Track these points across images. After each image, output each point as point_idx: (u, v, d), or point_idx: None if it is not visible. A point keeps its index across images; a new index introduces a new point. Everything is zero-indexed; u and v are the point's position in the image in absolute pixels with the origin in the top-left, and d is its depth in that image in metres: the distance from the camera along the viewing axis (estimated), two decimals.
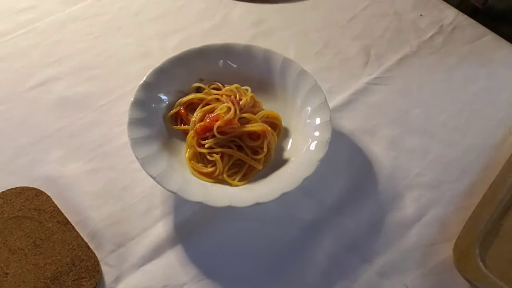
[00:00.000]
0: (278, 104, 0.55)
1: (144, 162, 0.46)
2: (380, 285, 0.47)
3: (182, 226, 0.49)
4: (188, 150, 0.51)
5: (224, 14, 0.70)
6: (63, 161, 0.53)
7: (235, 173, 0.49)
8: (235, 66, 0.56)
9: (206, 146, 0.49)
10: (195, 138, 0.50)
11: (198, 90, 0.55)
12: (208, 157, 0.49)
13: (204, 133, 0.49)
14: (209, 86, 0.54)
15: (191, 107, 0.53)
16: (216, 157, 0.49)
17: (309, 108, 0.52)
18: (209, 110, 0.51)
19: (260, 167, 0.50)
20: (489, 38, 0.69)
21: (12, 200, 0.49)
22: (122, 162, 0.53)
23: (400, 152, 0.56)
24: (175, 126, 0.52)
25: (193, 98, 0.53)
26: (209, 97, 0.53)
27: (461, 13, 0.71)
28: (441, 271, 0.48)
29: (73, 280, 0.44)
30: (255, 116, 0.51)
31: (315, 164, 0.47)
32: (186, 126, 0.52)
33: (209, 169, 0.49)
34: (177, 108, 0.53)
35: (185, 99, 0.53)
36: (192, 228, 0.49)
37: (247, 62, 0.55)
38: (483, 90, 0.63)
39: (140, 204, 0.50)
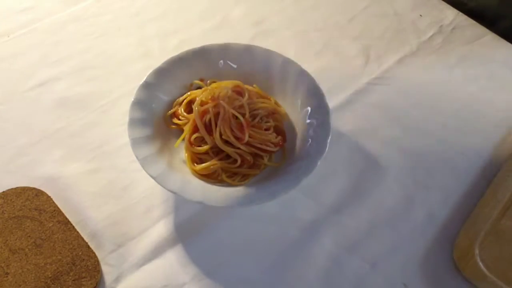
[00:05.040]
0: None
1: (144, 162, 0.46)
2: (380, 285, 0.47)
3: (182, 226, 0.49)
4: (187, 152, 0.51)
5: (224, 14, 0.70)
6: (63, 161, 0.53)
7: (235, 174, 0.49)
8: (235, 66, 0.56)
9: (202, 151, 0.49)
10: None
11: (198, 89, 0.55)
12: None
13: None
14: (208, 83, 0.54)
15: (189, 106, 0.53)
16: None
17: (309, 108, 0.52)
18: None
19: (259, 172, 0.50)
20: (489, 38, 0.69)
21: (12, 200, 0.49)
22: (122, 162, 0.53)
23: (400, 152, 0.56)
24: (174, 126, 0.52)
25: (190, 97, 0.53)
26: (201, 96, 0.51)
27: (460, 13, 0.71)
28: (441, 271, 0.48)
29: (73, 280, 0.44)
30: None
31: (315, 164, 0.47)
32: (182, 122, 0.52)
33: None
34: (175, 108, 0.53)
35: (182, 98, 0.53)
36: (192, 228, 0.49)
37: (247, 62, 0.55)
38: (483, 90, 0.63)
39: (140, 204, 0.50)
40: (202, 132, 0.48)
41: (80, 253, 0.46)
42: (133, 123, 0.48)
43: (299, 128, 0.53)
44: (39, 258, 0.45)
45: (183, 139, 0.50)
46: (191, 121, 0.50)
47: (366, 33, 0.69)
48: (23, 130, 0.56)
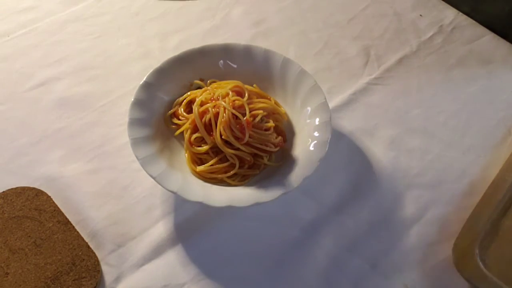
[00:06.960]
0: None
1: (144, 162, 0.46)
2: (380, 285, 0.47)
3: (182, 226, 0.49)
4: (187, 152, 0.51)
5: (224, 14, 0.70)
6: (63, 161, 0.53)
7: (235, 174, 0.49)
8: (235, 66, 0.56)
9: (202, 151, 0.49)
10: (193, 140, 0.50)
11: (198, 89, 0.55)
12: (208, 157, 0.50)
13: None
14: (208, 83, 0.54)
15: (189, 106, 0.53)
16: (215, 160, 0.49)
17: (309, 108, 0.52)
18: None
19: (258, 172, 0.50)
20: (489, 38, 0.69)
21: (12, 200, 0.49)
22: (122, 162, 0.53)
23: (400, 152, 0.56)
24: (174, 126, 0.52)
25: (190, 97, 0.53)
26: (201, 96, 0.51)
27: (460, 13, 0.72)
28: (441, 271, 0.48)
29: (73, 280, 0.44)
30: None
31: (315, 164, 0.47)
32: (182, 122, 0.52)
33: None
34: (175, 108, 0.53)
35: (182, 98, 0.53)
36: (192, 228, 0.49)
37: (247, 62, 0.55)
38: (482, 90, 0.63)
39: (140, 204, 0.50)
40: (202, 132, 0.49)
41: (80, 253, 0.46)
42: (133, 123, 0.48)
43: (299, 128, 0.53)
44: (39, 258, 0.45)
45: (183, 131, 0.50)
46: (190, 120, 0.50)
47: (366, 33, 0.69)
48: (23, 130, 0.56)
